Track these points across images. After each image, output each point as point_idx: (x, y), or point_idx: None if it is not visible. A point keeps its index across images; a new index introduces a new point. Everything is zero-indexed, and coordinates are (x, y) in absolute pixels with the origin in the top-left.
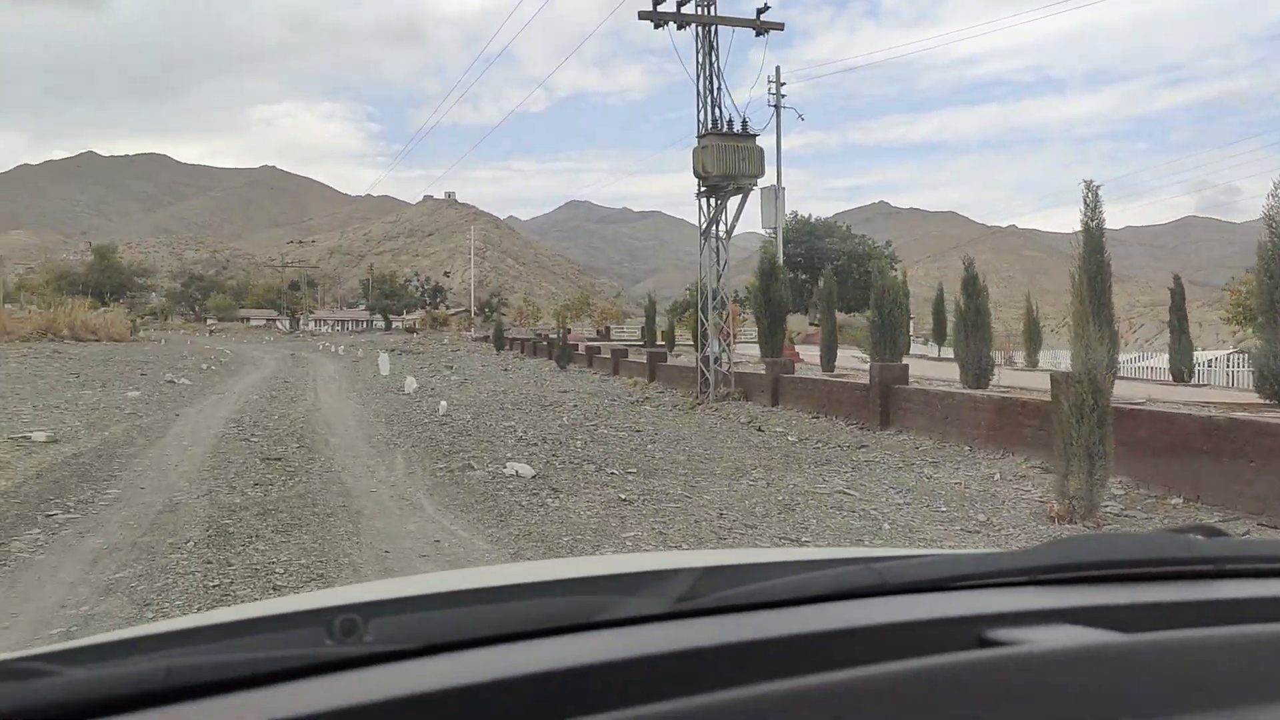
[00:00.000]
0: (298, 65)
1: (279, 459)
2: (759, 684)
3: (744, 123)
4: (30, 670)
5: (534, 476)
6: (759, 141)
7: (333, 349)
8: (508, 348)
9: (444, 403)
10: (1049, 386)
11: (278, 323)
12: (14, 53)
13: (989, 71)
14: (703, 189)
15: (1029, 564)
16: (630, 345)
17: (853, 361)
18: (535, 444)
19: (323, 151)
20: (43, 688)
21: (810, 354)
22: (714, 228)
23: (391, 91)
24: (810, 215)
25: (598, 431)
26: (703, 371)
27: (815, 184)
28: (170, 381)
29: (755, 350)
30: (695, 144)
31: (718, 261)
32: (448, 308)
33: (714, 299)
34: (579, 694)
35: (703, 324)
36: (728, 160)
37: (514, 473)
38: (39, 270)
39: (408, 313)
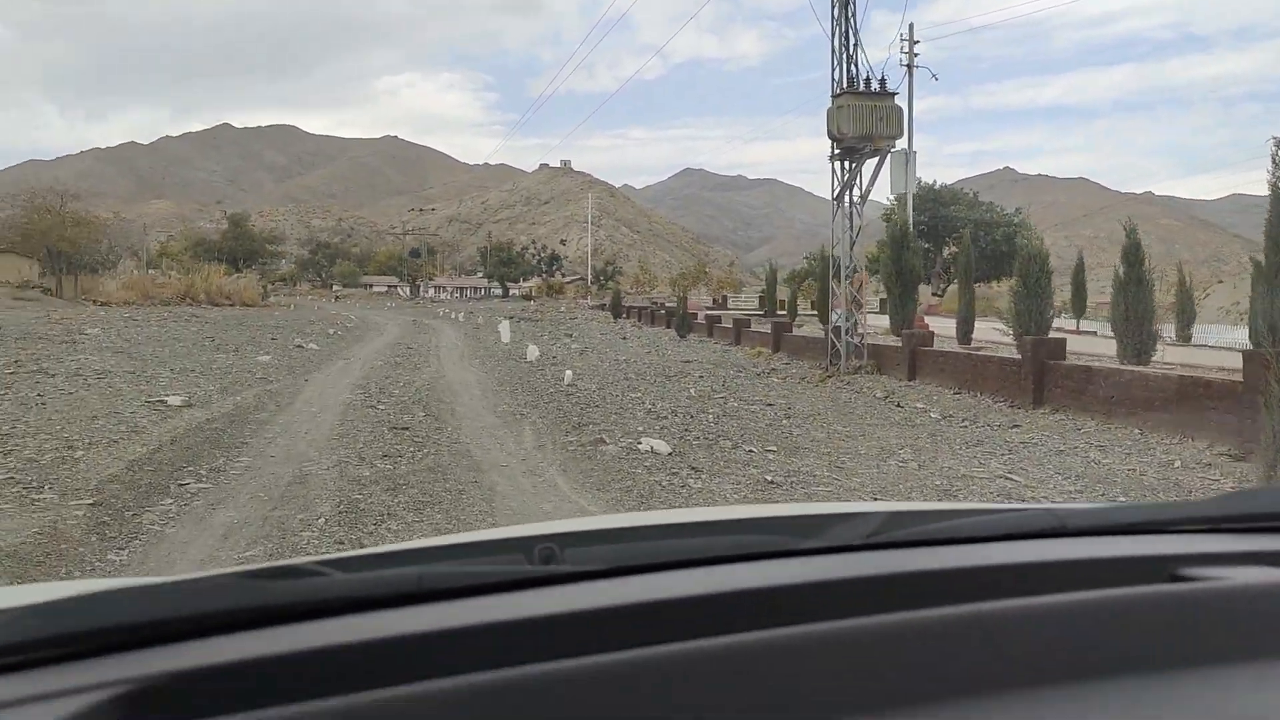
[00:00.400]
0: (419, 37)
1: (406, 429)
2: (950, 607)
3: (882, 81)
4: (309, 571)
5: (670, 454)
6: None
7: (452, 315)
8: (625, 316)
9: (569, 372)
10: (1222, 364)
11: (399, 289)
12: (158, 30)
13: (1126, 29)
14: (836, 151)
15: (1212, 513)
16: (749, 314)
17: (991, 334)
18: (665, 417)
19: (442, 121)
20: (321, 585)
21: (938, 325)
22: (847, 193)
23: (509, 61)
24: (935, 182)
25: (728, 405)
26: (833, 342)
27: (935, 150)
28: (299, 347)
29: (879, 321)
30: (829, 105)
31: (850, 228)
32: (563, 275)
33: (846, 267)
34: (776, 610)
35: (833, 293)
36: (865, 120)
37: (649, 449)
38: (178, 238)
39: (524, 280)
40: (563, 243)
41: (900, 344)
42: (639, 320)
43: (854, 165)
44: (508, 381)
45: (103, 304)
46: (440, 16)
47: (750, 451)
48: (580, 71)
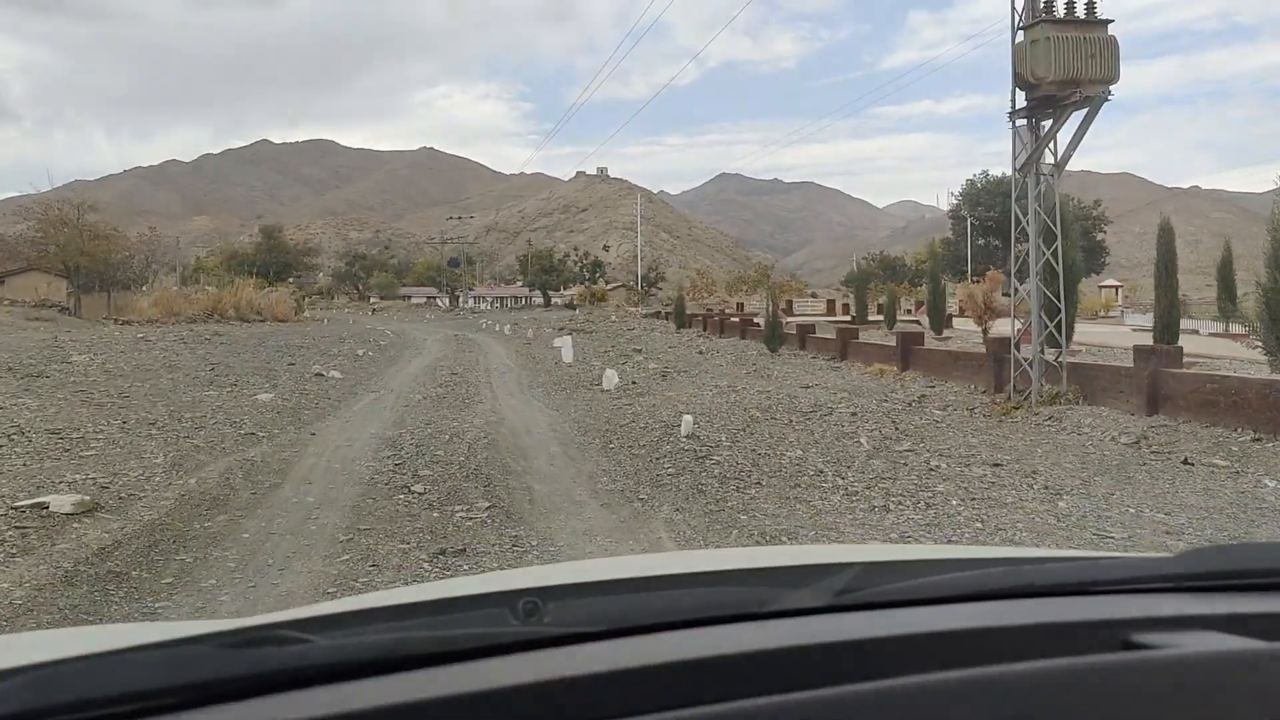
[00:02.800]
0: (455, 48)
1: (462, 551)
2: (912, 676)
3: (1089, 4)
4: (288, 638)
5: None
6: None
7: (497, 328)
8: (688, 325)
9: (688, 418)
10: None
11: (438, 300)
12: (199, 52)
13: (1169, 21)
14: (1027, 103)
15: (1172, 570)
16: (838, 322)
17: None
18: (875, 501)
19: (478, 131)
20: (298, 653)
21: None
22: (1035, 162)
23: (544, 70)
24: (1002, 174)
25: (936, 467)
26: (1018, 362)
27: (973, 148)
28: (319, 375)
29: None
30: (1019, 38)
31: (1039, 204)
32: (606, 282)
33: (1039, 259)
34: (746, 678)
35: (1015, 294)
36: (1070, 58)
37: None
38: (215, 253)
39: (564, 288)
40: (605, 248)
41: (1116, 363)
42: (705, 329)
43: (1049, 122)
44: (593, 428)
45: (124, 323)
46: (475, 27)
47: None
48: (615, 79)
